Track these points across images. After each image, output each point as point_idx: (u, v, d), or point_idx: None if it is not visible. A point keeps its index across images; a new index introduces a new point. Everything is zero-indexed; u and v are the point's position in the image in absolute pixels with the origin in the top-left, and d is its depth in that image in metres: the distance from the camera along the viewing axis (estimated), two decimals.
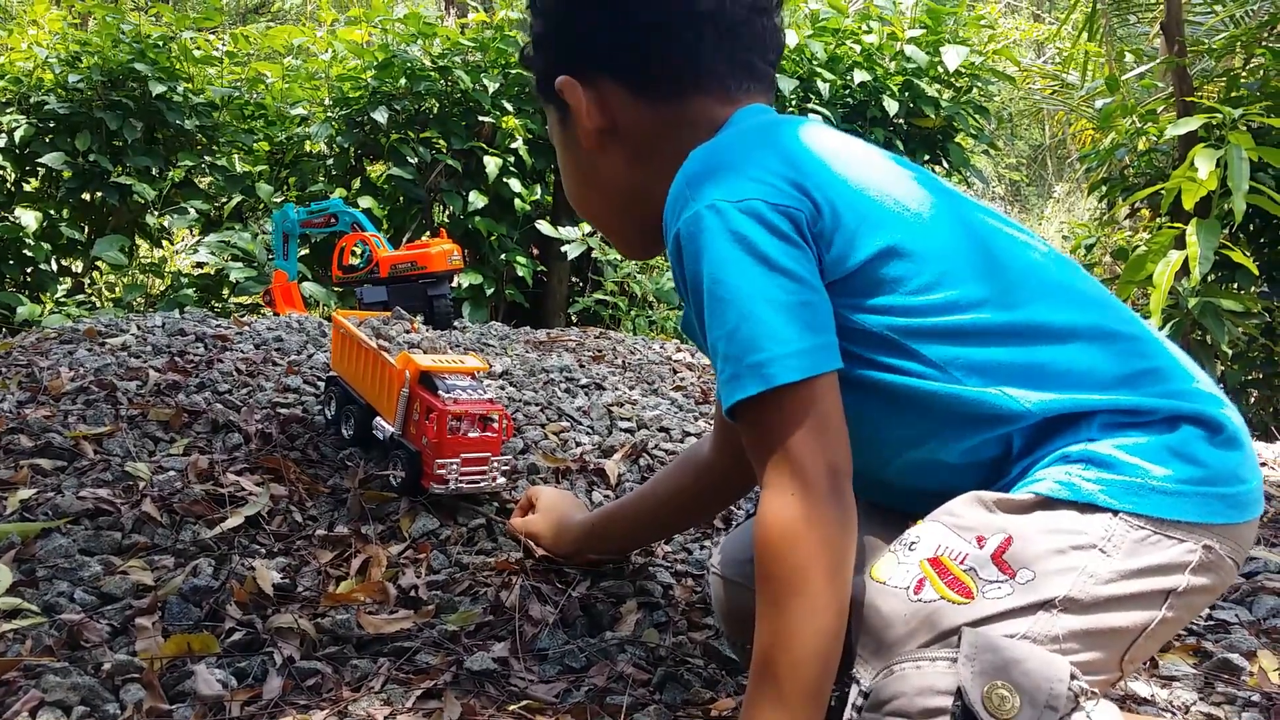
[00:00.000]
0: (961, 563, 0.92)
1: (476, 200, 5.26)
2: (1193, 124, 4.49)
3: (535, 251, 5.76)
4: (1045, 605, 0.89)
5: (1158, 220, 5.31)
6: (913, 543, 0.95)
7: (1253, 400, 5.58)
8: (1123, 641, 0.92)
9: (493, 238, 5.33)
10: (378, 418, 1.77)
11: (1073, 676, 0.85)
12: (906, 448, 1.05)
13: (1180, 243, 4.37)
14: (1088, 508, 0.93)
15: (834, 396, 0.96)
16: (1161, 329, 4.40)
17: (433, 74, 5.37)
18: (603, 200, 1.25)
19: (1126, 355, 1.00)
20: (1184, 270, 4.37)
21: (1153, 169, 5.80)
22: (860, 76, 5.36)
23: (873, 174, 1.04)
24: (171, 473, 1.70)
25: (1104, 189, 6.08)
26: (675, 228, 1.00)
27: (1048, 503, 0.94)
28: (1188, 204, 4.16)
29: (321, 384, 2.22)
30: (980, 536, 0.93)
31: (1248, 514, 0.97)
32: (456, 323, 3.87)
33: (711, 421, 2.43)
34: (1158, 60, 5.83)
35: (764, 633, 0.93)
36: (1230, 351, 5.28)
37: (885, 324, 0.99)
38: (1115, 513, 0.92)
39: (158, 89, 5.00)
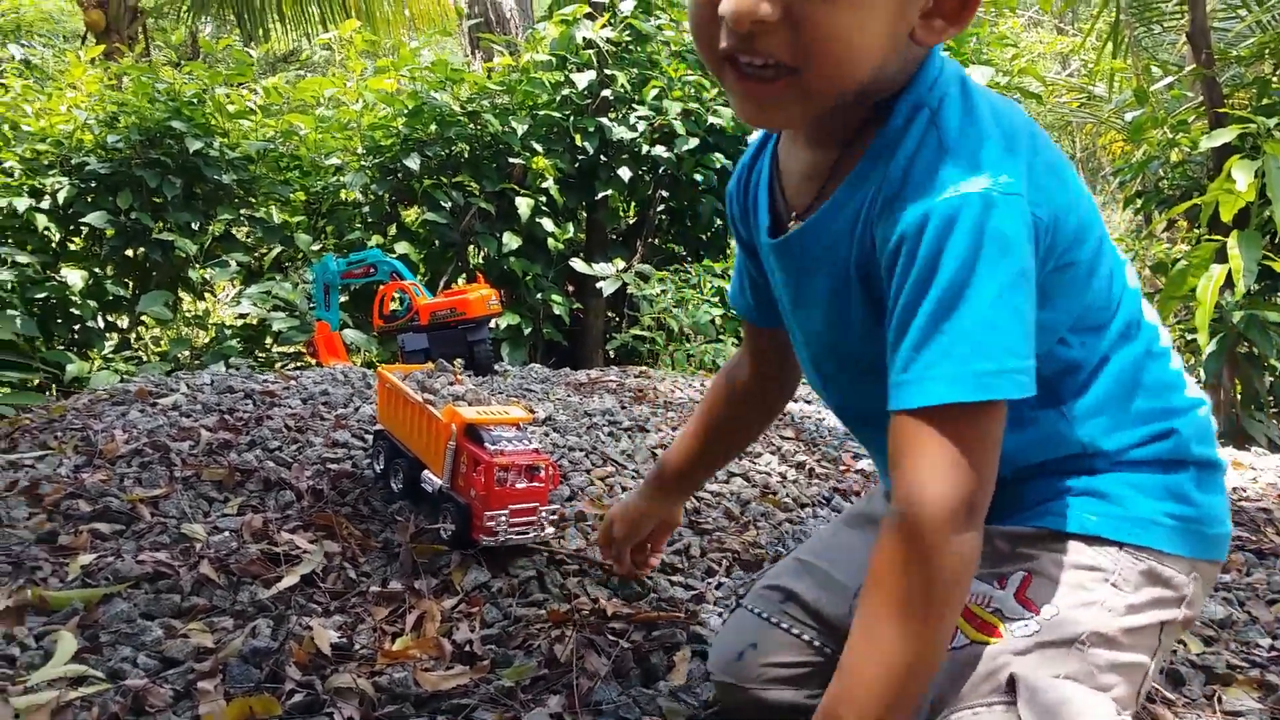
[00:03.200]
0: (987, 605, 0.96)
1: (510, 241, 5.31)
2: (1227, 135, 4.45)
3: (570, 289, 5.80)
4: (1073, 642, 0.93)
5: (1195, 232, 5.25)
6: None
7: None
8: (1139, 675, 0.96)
9: (528, 278, 5.38)
10: (426, 470, 1.79)
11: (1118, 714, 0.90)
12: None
13: (1221, 256, 4.32)
14: (1094, 540, 0.98)
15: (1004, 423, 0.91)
16: (1208, 344, 4.36)
17: (462, 119, 5.45)
18: (858, 65, 0.91)
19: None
20: (1225, 283, 4.32)
21: (1187, 180, 5.74)
22: None
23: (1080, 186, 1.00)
24: (227, 533, 1.73)
25: (1139, 202, 6.02)
26: (931, 204, 0.88)
27: (1057, 536, 0.99)
28: (1226, 216, 4.11)
29: (369, 437, 2.24)
30: (1001, 578, 0.98)
31: (1223, 554, 1.04)
32: (497, 366, 3.90)
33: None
34: (1186, 70, 5.79)
35: (902, 638, 0.87)
36: (1279, 364, 5.20)
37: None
38: (1120, 545, 0.98)
39: (194, 145, 5.10)
